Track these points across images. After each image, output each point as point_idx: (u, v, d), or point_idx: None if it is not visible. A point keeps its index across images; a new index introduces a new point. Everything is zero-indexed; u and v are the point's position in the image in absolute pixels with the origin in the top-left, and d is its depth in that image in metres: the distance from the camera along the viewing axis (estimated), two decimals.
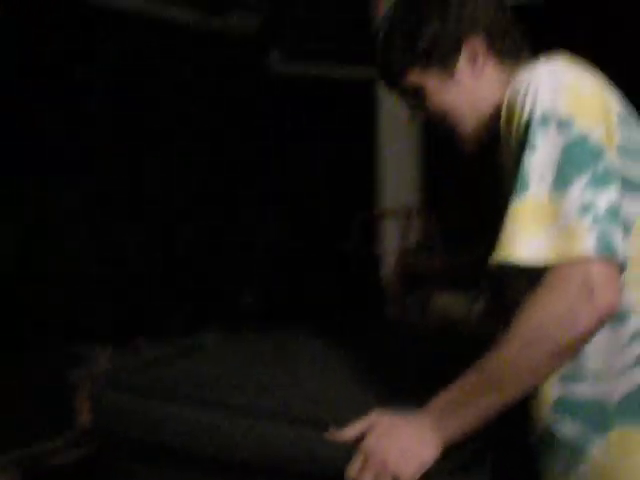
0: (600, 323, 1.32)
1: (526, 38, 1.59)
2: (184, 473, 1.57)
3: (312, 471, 1.40)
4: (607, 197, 1.30)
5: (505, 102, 1.43)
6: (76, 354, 3.21)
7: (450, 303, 5.16)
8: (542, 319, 1.31)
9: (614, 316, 1.37)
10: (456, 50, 1.52)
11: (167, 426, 1.54)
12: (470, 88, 1.53)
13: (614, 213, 1.29)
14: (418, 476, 1.33)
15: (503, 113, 1.43)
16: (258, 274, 5.02)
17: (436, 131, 1.59)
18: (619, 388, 1.45)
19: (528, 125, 1.34)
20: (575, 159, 1.30)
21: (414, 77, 1.54)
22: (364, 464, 1.35)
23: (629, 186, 1.38)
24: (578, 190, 1.29)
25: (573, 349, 1.35)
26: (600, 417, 1.46)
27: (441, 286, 5.28)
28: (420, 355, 1.88)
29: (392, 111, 5.57)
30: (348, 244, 4.99)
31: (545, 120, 1.32)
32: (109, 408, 1.63)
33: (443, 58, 1.52)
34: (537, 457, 1.59)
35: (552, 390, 1.52)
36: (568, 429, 1.49)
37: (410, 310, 5.08)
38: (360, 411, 1.44)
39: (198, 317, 4.37)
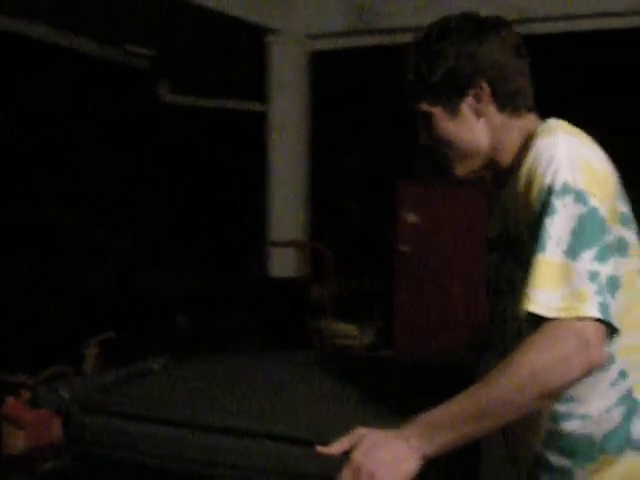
0: (589, 374, 1.48)
1: (529, 82, 1.72)
2: None
3: None
4: (608, 269, 1.48)
5: (528, 165, 1.56)
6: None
7: (342, 330, 5.35)
8: (538, 364, 1.44)
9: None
10: (462, 91, 1.64)
11: (146, 445, 1.59)
12: (470, 126, 1.64)
13: (612, 284, 1.48)
14: None
15: (524, 174, 1.56)
16: (188, 305, 5.02)
17: (433, 153, 1.70)
18: (603, 425, 1.62)
19: (550, 192, 1.49)
20: (587, 231, 1.47)
21: (425, 106, 1.66)
22: (352, 476, 1.42)
23: (621, 248, 1.57)
24: (588, 260, 1.46)
25: (560, 393, 1.51)
26: (586, 449, 1.63)
27: (335, 315, 5.47)
28: (370, 378, 1.97)
29: (282, 145, 5.73)
30: (250, 273, 5.09)
31: (565, 191, 1.48)
32: (85, 429, 1.66)
33: (449, 97, 1.64)
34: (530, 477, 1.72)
35: (543, 425, 1.66)
36: (557, 458, 1.65)
37: (312, 336, 5.23)
38: (339, 429, 1.49)
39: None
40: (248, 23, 5.26)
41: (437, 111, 1.66)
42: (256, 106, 6.17)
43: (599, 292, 1.46)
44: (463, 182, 5.15)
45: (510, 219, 1.67)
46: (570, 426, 1.64)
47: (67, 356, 3.91)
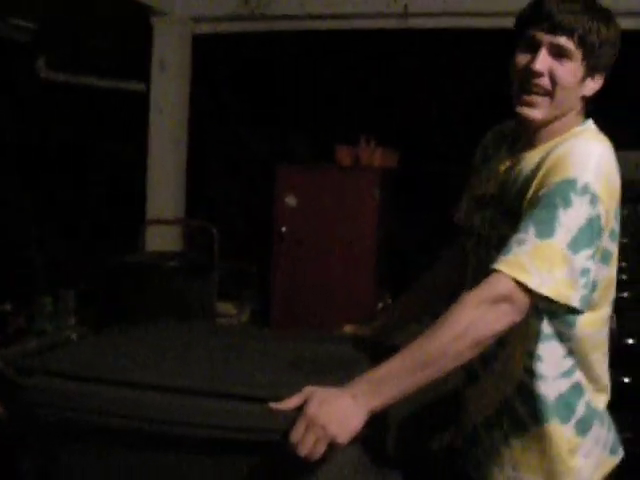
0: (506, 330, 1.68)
1: None
2: (113, 452, 1.69)
3: (250, 440, 1.60)
4: (594, 269, 1.71)
5: (560, 152, 1.75)
6: None
7: (220, 308, 5.45)
8: (475, 316, 1.63)
9: (565, 333, 1.83)
10: (605, 57, 1.82)
11: (92, 405, 1.66)
12: (578, 86, 1.82)
13: (593, 284, 1.73)
14: (349, 440, 1.58)
15: (553, 158, 1.74)
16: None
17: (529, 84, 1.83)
18: (554, 389, 1.84)
19: (572, 186, 1.69)
20: (590, 232, 1.69)
21: (572, 44, 1.79)
22: (306, 429, 1.55)
23: (605, 258, 1.80)
24: (584, 257, 1.68)
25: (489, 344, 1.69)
26: (541, 409, 1.85)
27: (220, 293, 5.56)
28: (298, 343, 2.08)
29: (162, 126, 5.76)
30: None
31: (585, 191, 1.68)
32: (32, 393, 1.70)
33: (590, 55, 1.80)
34: (488, 425, 1.94)
35: (516, 376, 1.87)
36: (521, 407, 1.87)
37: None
38: (288, 387, 1.62)
39: None
40: (134, 2, 5.28)
41: (577, 54, 1.80)
42: (136, 86, 6.19)
43: (585, 286, 1.69)
44: (341, 167, 5.35)
45: (510, 184, 1.88)
46: (534, 383, 1.86)
47: None
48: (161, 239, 5.72)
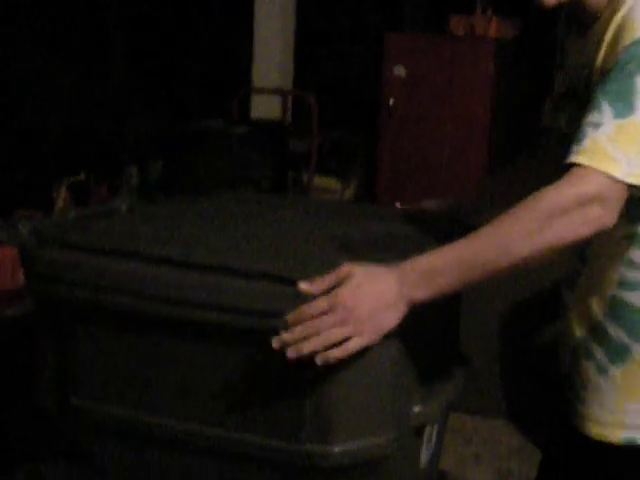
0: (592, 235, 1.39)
1: None
2: (130, 333, 1.55)
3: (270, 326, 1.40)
4: None
5: (623, 12, 1.44)
6: None
7: (324, 184, 5.28)
8: (556, 209, 1.34)
9: None
10: None
11: (110, 281, 1.51)
12: None
13: None
14: (377, 340, 1.36)
15: (616, 21, 1.44)
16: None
17: None
18: None
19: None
20: None
21: None
22: (327, 310, 1.32)
23: None
24: None
25: (565, 248, 1.41)
26: None
27: (316, 168, 5.38)
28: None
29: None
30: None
31: None
32: (46, 265, 1.58)
33: None
34: (581, 351, 1.64)
35: (609, 290, 1.57)
36: (616, 331, 1.58)
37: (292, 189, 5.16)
38: (326, 267, 1.37)
39: None
40: None
41: None
42: None
43: None
44: (454, 37, 5.02)
45: (580, 71, 1.56)
46: (636, 297, 1.55)
47: (36, 200, 3.82)
48: (266, 109, 5.57)
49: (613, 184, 1.35)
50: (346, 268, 1.37)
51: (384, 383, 1.48)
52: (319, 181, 5.05)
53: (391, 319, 1.37)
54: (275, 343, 1.34)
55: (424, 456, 1.76)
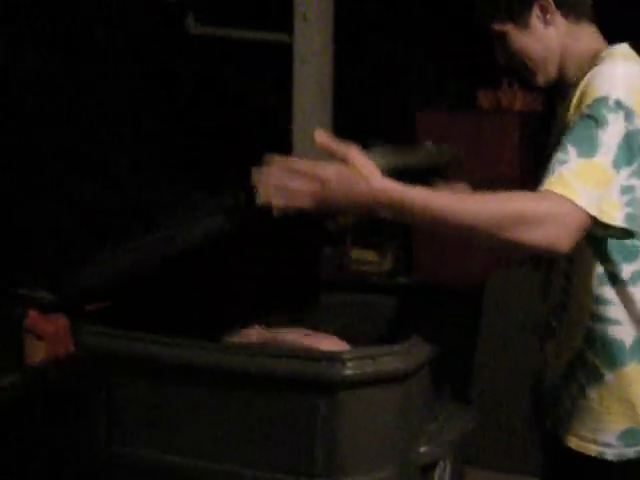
0: (546, 250, 1.59)
1: None
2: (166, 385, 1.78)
3: None
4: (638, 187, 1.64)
5: (585, 81, 1.74)
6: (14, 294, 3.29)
7: (362, 256, 5.48)
8: (523, 209, 1.56)
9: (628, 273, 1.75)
10: (528, 5, 1.83)
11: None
12: (540, 36, 1.84)
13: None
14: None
15: (580, 89, 1.74)
16: None
17: (515, 67, 1.88)
18: (632, 333, 1.79)
19: (603, 104, 1.64)
20: (630, 149, 1.63)
21: (498, 26, 1.85)
22: (312, 174, 1.57)
23: None
24: (626, 175, 1.61)
25: (512, 248, 1.60)
26: (617, 353, 1.79)
27: (354, 241, 5.60)
28: None
29: (307, 75, 5.80)
30: None
31: (618, 107, 1.63)
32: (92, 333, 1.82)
33: (519, 13, 1.83)
34: (569, 372, 1.88)
35: (581, 321, 1.82)
36: (592, 357, 1.82)
37: (326, 263, 5.37)
38: None
39: None
40: None
41: (509, 28, 1.85)
42: (282, 37, 6.23)
43: (630, 204, 1.62)
44: (486, 112, 5.24)
45: (559, 133, 1.82)
46: (605, 329, 1.80)
47: None
48: None
49: (575, 211, 1.57)
50: (353, 152, 1.60)
51: (388, 425, 1.70)
52: (357, 254, 5.25)
53: (343, 209, 1.64)
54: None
55: None
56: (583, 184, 1.57)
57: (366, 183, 1.58)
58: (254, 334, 2.04)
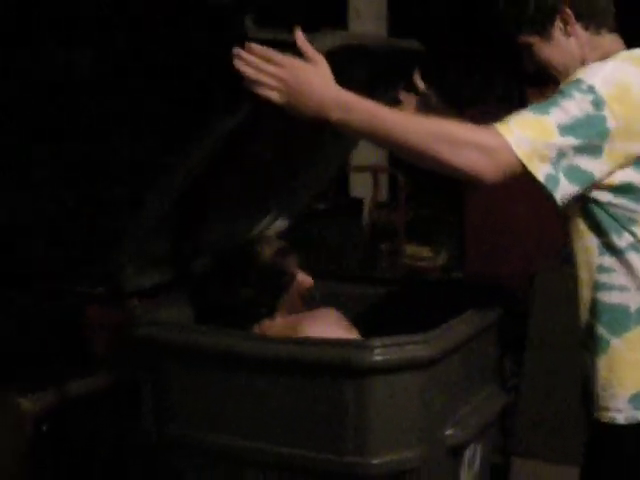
0: (473, 178, 1.69)
1: (611, 5, 1.96)
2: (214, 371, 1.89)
3: None
4: (582, 162, 1.71)
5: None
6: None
7: (416, 252, 5.57)
8: (454, 133, 1.69)
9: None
10: (551, 20, 1.91)
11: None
12: (564, 47, 1.91)
13: (578, 175, 1.71)
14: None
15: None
16: None
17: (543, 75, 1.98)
18: (637, 298, 1.85)
19: (576, 85, 1.73)
20: (585, 127, 1.70)
21: (524, 39, 1.95)
22: (281, 62, 1.70)
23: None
24: (570, 143, 1.68)
25: (439, 166, 1.71)
26: (622, 320, 1.85)
27: (407, 238, 5.69)
28: None
29: None
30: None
31: (589, 91, 1.71)
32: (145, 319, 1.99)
33: (542, 26, 1.92)
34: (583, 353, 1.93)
35: (587, 295, 1.89)
36: (598, 327, 1.87)
37: (379, 260, 5.47)
38: None
39: None
40: None
41: (535, 40, 1.93)
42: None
43: (555, 164, 1.69)
44: None
45: None
46: (609, 297, 1.87)
47: None
48: (362, 186, 5.93)
49: (504, 147, 1.67)
50: (318, 57, 1.74)
51: (413, 408, 1.80)
52: (412, 250, 5.34)
53: (303, 110, 1.74)
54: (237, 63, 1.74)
55: (466, 478, 2.03)
56: (521, 130, 1.68)
57: (326, 84, 1.73)
58: (276, 325, 2.17)
